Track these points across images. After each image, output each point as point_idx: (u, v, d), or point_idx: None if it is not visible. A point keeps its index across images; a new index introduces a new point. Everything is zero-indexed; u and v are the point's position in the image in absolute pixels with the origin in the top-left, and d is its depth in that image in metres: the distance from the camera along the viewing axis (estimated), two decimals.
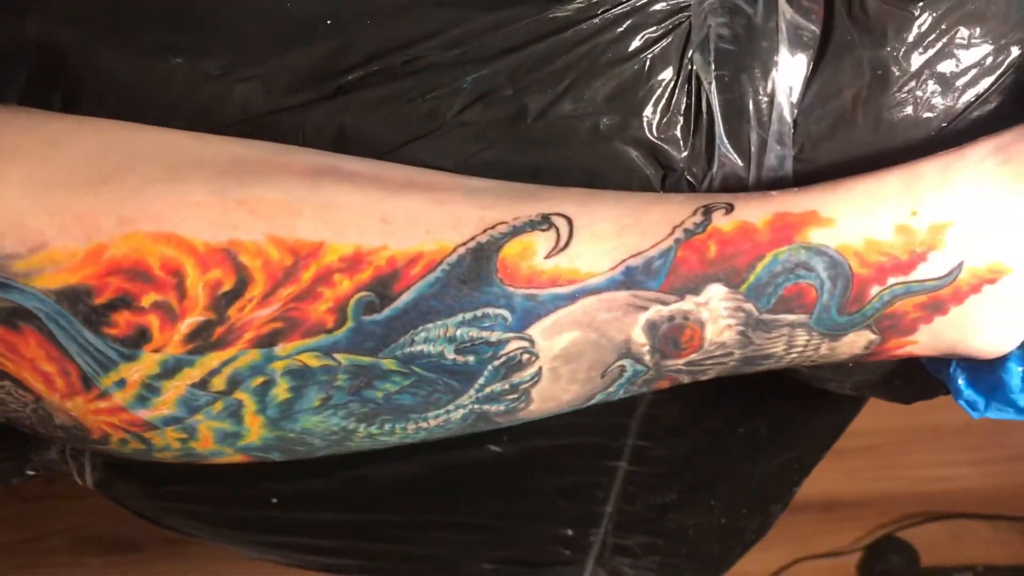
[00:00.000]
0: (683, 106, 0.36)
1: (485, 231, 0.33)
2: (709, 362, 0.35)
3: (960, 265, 0.33)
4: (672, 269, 0.33)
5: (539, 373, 0.34)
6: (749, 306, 0.33)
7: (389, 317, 0.32)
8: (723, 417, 0.57)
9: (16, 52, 0.36)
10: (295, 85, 0.36)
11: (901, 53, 0.34)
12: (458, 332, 0.33)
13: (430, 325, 0.33)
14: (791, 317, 0.33)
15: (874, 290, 0.33)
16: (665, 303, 0.33)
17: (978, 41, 0.34)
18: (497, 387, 0.34)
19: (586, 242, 0.33)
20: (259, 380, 0.33)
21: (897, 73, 0.35)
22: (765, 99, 0.35)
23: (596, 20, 0.35)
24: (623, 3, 0.35)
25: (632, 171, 0.36)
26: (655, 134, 0.36)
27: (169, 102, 0.37)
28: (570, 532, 0.56)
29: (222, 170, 0.33)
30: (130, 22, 0.36)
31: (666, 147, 0.36)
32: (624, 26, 0.35)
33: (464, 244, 0.33)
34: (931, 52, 0.34)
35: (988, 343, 0.34)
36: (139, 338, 0.32)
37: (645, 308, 0.33)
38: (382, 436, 0.36)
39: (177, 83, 0.36)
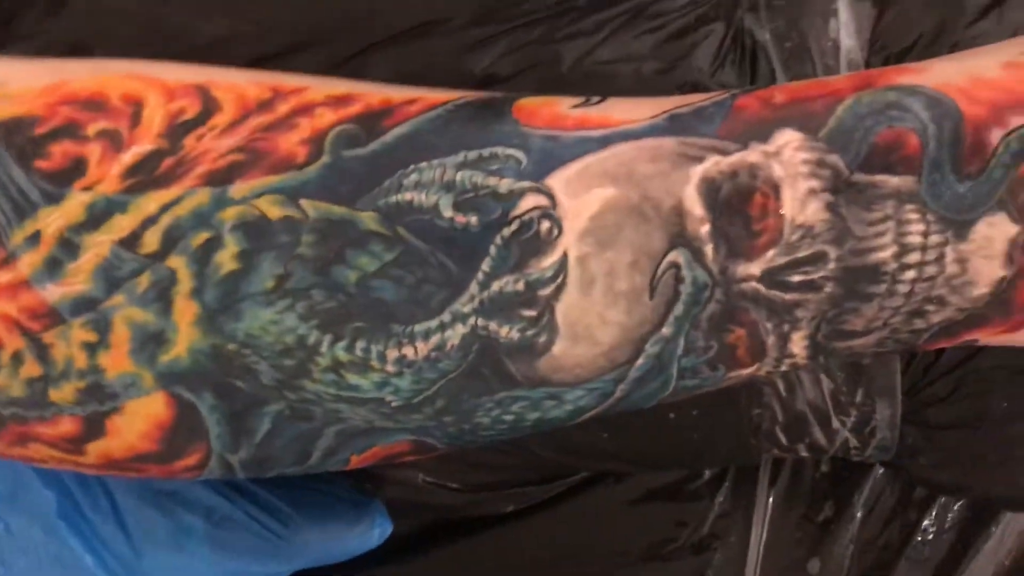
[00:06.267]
0: (737, 55, 0.32)
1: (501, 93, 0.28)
2: (797, 278, 0.26)
3: None
4: (730, 114, 0.26)
5: (564, 267, 0.26)
6: (834, 159, 0.26)
7: (374, 152, 0.26)
8: None
9: None
10: None
11: None
12: (458, 176, 0.26)
13: (423, 165, 0.26)
14: (894, 181, 0.26)
15: (995, 135, 0.25)
16: (724, 152, 0.26)
17: None
18: (509, 283, 0.26)
19: (619, 102, 0.27)
20: (202, 237, 0.26)
21: (973, 0, 0.31)
22: (829, 43, 0.32)
23: None
24: None
25: None
26: (706, 79, 0.32)
27: None
28: None
29: None
30: None
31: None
32: None
33: (473, 96, 0.28)
34: None
35: None
36: (72, 171, 0.26)
37: (699, 159, 0.26)
38: (352, 372, 0.26)
39: None
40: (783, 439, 0.33)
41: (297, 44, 0.34)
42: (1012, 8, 0.31)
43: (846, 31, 0.32)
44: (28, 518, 0.37)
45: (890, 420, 0.32)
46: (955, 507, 0.38)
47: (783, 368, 0.28)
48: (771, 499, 0.39)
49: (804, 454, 0.34)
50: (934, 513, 0.39)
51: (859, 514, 0.39)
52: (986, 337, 0.27)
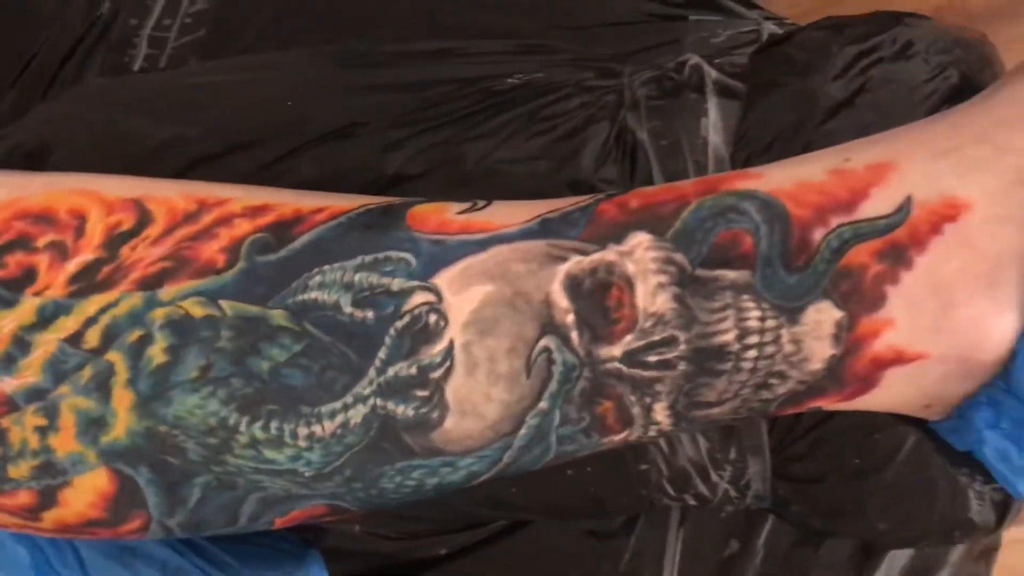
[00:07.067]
0: (619, 154, 0.36)
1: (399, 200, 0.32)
2: (653, 358, 0.30)
3: (909, 200, 0.29)
4: (592, 219, 0.30)
5: (451, 353, 0.30)
6: (679, 257, 0.30)
7: (283, 257, 0.30)
8: None
9: None
10: None
11: (828, 82, 0.35)
12: (356, 277, 0.30)
13: (326, 267, 0.30)
14: (732, 275, 0.30)
15: (818, 233, 0.29)
16: (585, 252, 0.30)
17: (913, 67, 0.35)
18: (403, 368, 0.30)
19: (502, 207, 0.32)
20: (136, 334, 0.30)
21: (826, 102, 0.35)
22: (699, 140, 0.36)
23: (538, 87, 0.37)
24: (563, 80, 0.38)
25: None
26: (591, 176, 0.36)
27: None
28: None
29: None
30: None
31: (602, 186, 0.36)
32: (561, 92, 0.37)
33: (376, 203, 0.32)
34: (860, 81, 0.35)
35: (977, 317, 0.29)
36: (25, 279, 0.30)
37: (563, 259, 0.30)
38: (268, 447, 0.30)
39: None
40: (671, 491, 0.37)
41: (236, 145, 0.38)
42: (860, 109, 0.35)
43: (714, 129, 0.36)
44: (5, 571, 0.41)
45: (762, 474, 0.35)
46: (846, 542, 0.42)
47: (651, 434, 0.32)
48: (680, 538, 0.43)
49: (692, 503, 0.38)
50: (829, 549, 0.42)
51: (761, 551, 0.43)
52: (827, 404, 0.31)
